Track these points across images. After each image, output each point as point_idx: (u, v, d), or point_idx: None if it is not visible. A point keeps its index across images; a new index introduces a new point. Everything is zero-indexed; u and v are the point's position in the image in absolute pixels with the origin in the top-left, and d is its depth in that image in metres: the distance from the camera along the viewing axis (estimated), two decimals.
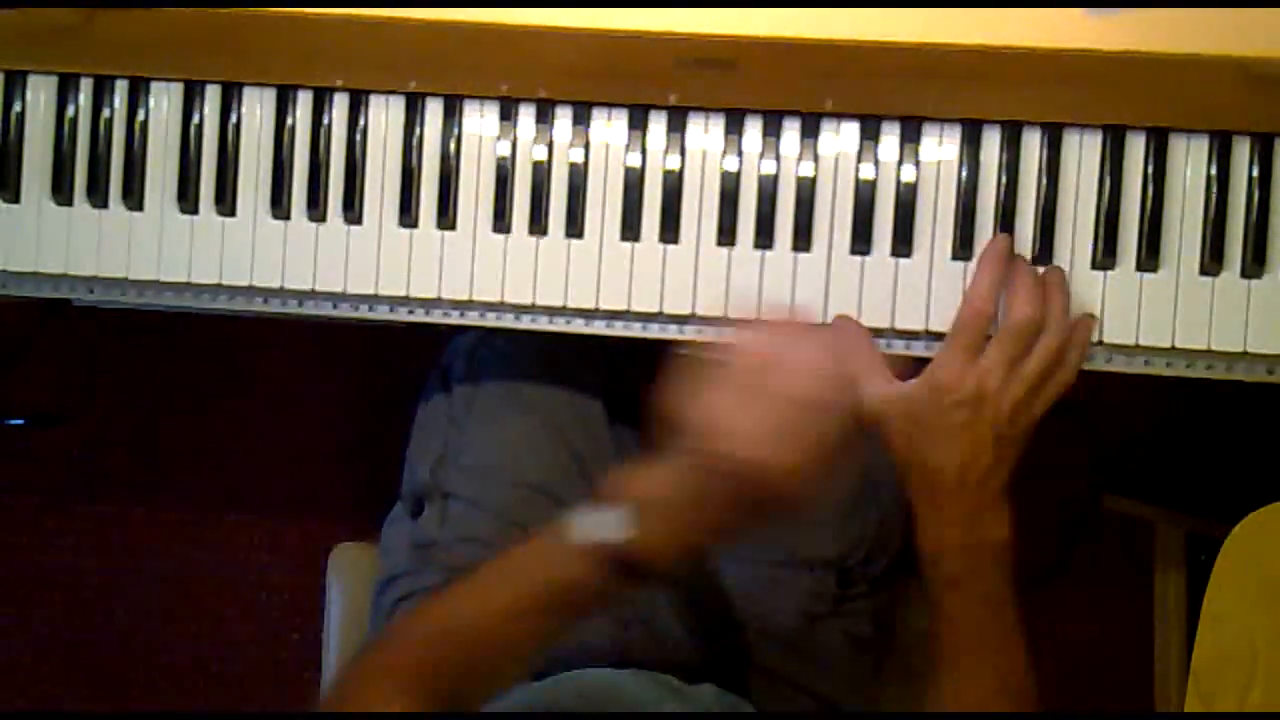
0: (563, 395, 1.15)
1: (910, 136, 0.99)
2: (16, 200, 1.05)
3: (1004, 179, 0.98)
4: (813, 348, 0.91)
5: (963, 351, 0.94)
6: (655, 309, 1.01)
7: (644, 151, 1.01)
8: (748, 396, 0.87)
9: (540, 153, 1.01)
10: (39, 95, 1.05)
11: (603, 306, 1.01)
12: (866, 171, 0.99)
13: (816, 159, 1.00)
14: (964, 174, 0.99)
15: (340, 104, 1.03)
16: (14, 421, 1.81)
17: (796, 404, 0.87)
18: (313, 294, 1.03)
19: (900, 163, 0.99)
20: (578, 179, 1.01)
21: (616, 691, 1.01)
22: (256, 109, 1.03)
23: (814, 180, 1.00)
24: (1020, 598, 0.95)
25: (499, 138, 1.02)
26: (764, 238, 1.00)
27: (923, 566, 0.95)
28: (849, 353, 0.96)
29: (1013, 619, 0.94)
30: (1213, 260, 0.97)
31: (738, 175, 1.00)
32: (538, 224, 1.01)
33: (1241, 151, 0.97)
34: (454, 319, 1.03)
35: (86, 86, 1.04)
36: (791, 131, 1.00)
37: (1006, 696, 0.94)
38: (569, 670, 1.04)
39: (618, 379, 1.19)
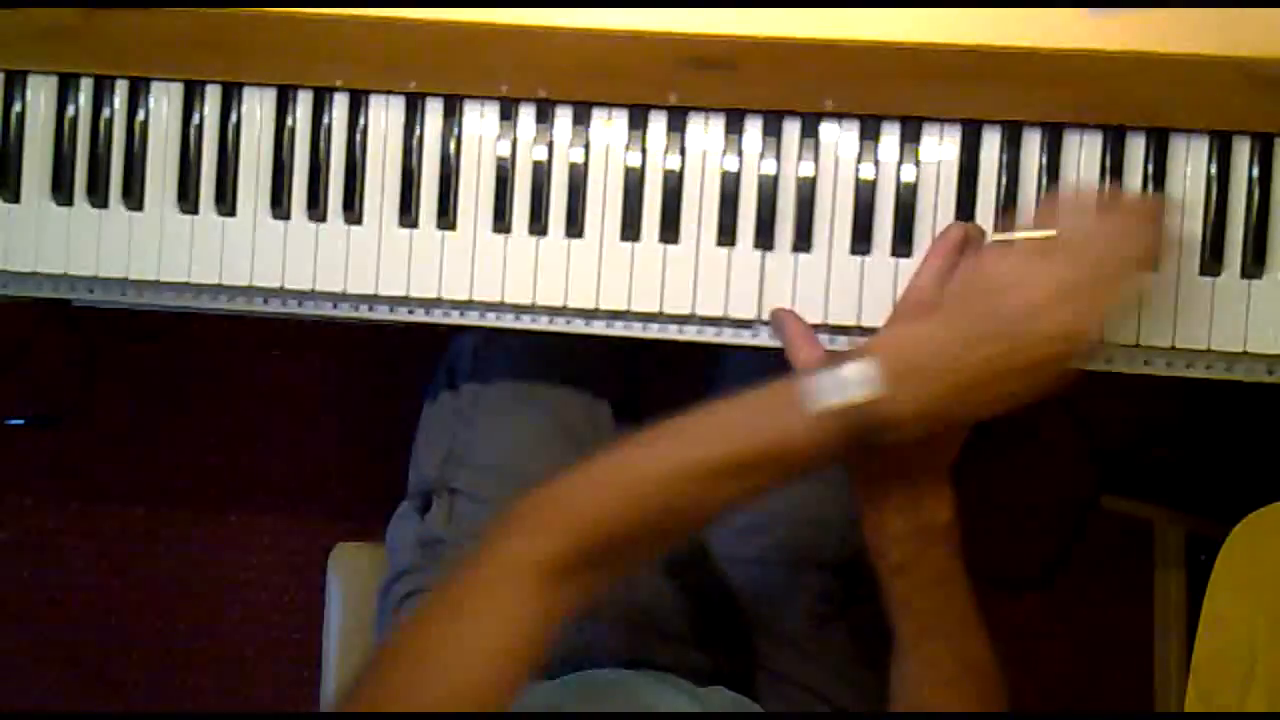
0: (570, 393, 1.15)
1: (910, 136, 0.99)
2: (16, 200, 1.05)
3: (1004, 179, 0.98)
4: (1124, 221, 0.87)
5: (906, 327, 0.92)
6: (655, 309, 1.01)
7: (644, 151, 1.01)
8: (1049, 257, 0.85)
9: (540, 153, 1.01)
10: (39, 95, 1.05)
11: (603, 306, 1.01)
12: (866, 171, 0.99)
13: (816, 159, 1.00)
14: (964, 174, 0.99)
15: (340, 104, 1.03)
16: (14, 421, 1.81)
17: (1097, 270, 0.84)
18: (313, 294, 1.03)
19: (900, 163, 0.99)
20: (578, 179, 1.01)
21: (629, 690, 1.01)
22: (256, 109, 1.03)
23: (814, 180, 1.00)
24: (971, 577, 0.94)
25: (499, 138, 1.02)
26: (764, 238, 1.00)
27: (871, 556, 0.95)
28: (787, 343, 0.96)
29: (966, 598, 0.94)
30: (1213, 260, 0.97)
31: (738, 175, 1.00)
32: (538, 224, 1.01)
33: (1241, 151, 0.97)
34: (454, 319, 1.03)
35: (86, 86, 1.04)
36: (791, 131, 1.00)
37: (970, 677, 0.94)
38: (579, 670, 1.05)
39: (625, 377, 1.19)
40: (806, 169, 1.00)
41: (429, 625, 0.81)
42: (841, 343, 1.00)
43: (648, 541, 0.86)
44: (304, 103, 1.03)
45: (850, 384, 0.82)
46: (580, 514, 0.83)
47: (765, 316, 1.00)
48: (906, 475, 0.92)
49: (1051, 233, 0.88)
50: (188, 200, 1.03)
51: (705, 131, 1.00)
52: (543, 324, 1.03)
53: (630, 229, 1.01)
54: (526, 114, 1.02)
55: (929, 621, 0.94)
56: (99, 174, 1.04)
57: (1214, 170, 0.97)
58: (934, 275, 0.93)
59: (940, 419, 0.85)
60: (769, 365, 1.12)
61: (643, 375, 1.24)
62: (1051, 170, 0.98)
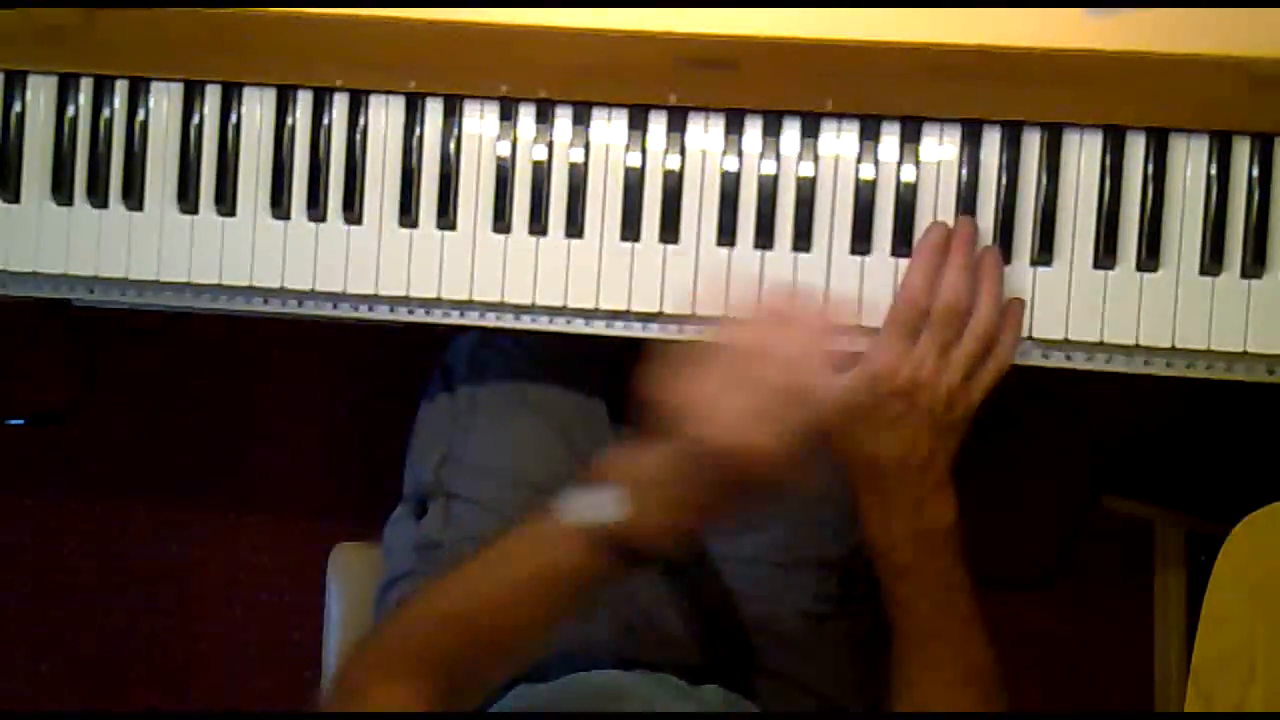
0: (566, 395, 1.15)
1: (910, 136, 0.99)
2: (16, 200, 1.05)
3: (1004, 179, 0.98)
4: (797, 334, 0.90)
5: (896, 341, 0.94)
6: (655, 309, 1.01)
7: (644, 151, 1.01)
8: (729, 382, 0.87)
9: (540, 153, 1.01)
10: (39, 95, 1.05)
11: (603, 306, 1.01)
12: (866, 171, 0.99)
13: (816, 159, 1.00)
14: (964, 174, 0.99)
15: (340, 104, 1.03)
16: (14, 421, 1.81)
17: (776, 390, 0.87)
18: (313, 294, 1.03)
19: (900, 163, 0.99)
20: (578, 179, 1.01)
21: (623, 692, 1.01)
22: (256, 109, 1.03)
23: (814, 180, 1.00)
24: (973, 579, 0.95)
25: (499, 138, 1.02)
26: (764, 238, 1.00)
27: (873, 558, 0.96)
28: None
29: (968, 601, 0.95)
30: (1213, 260, 0.97)
31: (738, 175, 1.00)
32: (538, 224, 1.01)
33: (1241, 151, 0.97)
34: (454, 319, 1.03)
35: (86, 86, 1.04)
36: (791, 131, 1.00)
37: (970, 679, 0.95)
38: (574, 672, 1.04)
39: (621, 379, 1.19)
40: (806, 169, 0.99)
41: None
42: (841, 343, 1.00)
43: (496, 657, 0.92)
44: (304, 103, 1.03)
45: (597, 505, 0.88)
46: (425, 626, 0.90)
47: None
48: (908, 480, 0.93)
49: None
50: (188, 200, 1.03)
51: (705, 131, 1.00)
52: (542, 324, 1.03)
53: (630, 229, 1.01)
54: (526, 114, 1.01)
55: (931, 623, 0.94)
56: (99, 174, 1.04)
57: (1214, 170, 0.97)
58: (923, 278, 0.95)
59: (692, 530, 0.91)
60: None
61: (639, 377, 1.24)
62: (1051, 170, 0.98)
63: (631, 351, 1.07)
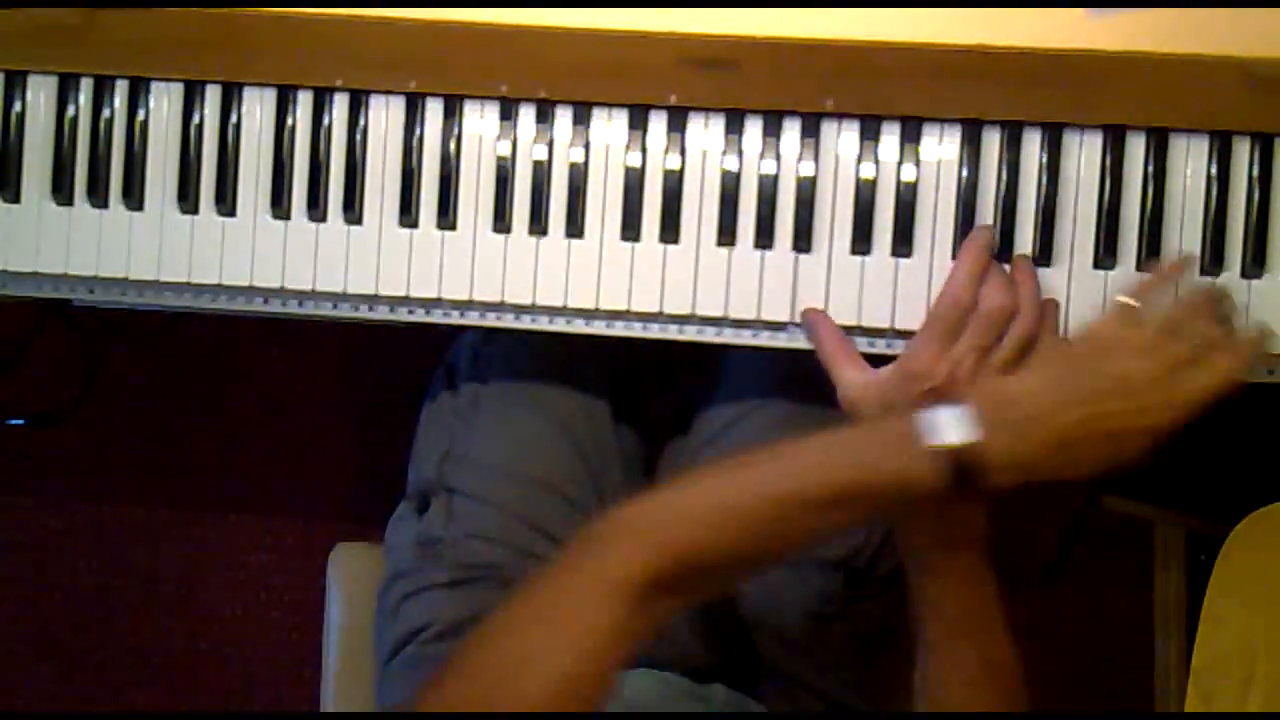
0: (569, 393, 1.15)
1: (910, 136, 0.99)
2: (16, 200, 1.05)
3: (1004, 179, 0.98)
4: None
5: (936, 340, 0.94)
6: (655, 309, 1.01)
7: (644, 151, 1.01)
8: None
9: (540, 153, 1.01)
10: (39, 95, 1.05)
11: (603, 306, 1.01)
12: (866, 171, 0.99)
13: (816, 159, 1.00)
14: (964, 174, 0.99)
15: (340, 104, 1.03)
16: (14, 421, 1.81)
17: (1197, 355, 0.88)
18: (313, 294, 1.03)
19: (900, 163, 0.99)
20: (578, 179, 1.01)
21: (629, 689, 1.01)
22: (256, 109, 1.03)
23: (814, 180, 1.00)
24: (998, 577, 0.95)
25: (499, 138, 1.02)
26: (764, 238, 1.00)
27: (901, 554, 0.96)
28: (821, 343, 0.98)
29: (993, 599, 0.95)
30: (1213, 260, 0.97)
31: (738, 175, 1.00)
32: (538, 224, 1.01)
33: (1241, 151, 0.97)
34: (454, 319, 1.03)
35: (86, 86, 1.04)
36: (791, 131, 1.00)
37: (993, 678, 0.95)
38: None
39: (623, 377, 1.19)
40: (806, 169, 1.00)
41: (512, 632, 0.80)
42: (847, 343, 1.00)
43: (737, 568, 0.87)
44: (304, 103, 1.03)
45: (948, 427, 0.83)
46: (677, 537, 0.81)
47: (765, 316, 1.00)
48: None
49: (1134, 304, 0.91)
50: (188, 200, 1.03)
51: (705, 131, 1.00)
52: (543, 324, 1.03)
53: (630, 229, 1.01)
54: (526, 114, 1.01)
55: (957, 623, 0.94)
56: (99, 174, 1.04)
57: (1214, 170, 0.97)
58: (969, 279, 0.95)
59: (1030, 471, 0.85)
60: (768, 365, 1.12)
61: (642, 376, 1.24)
62: (1051, 170, 0.98)
63: (634, 351, 1.07)
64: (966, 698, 0.94)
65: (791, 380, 1.14)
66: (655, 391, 1.23)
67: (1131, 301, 0.92)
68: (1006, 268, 0.97)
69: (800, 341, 1.01)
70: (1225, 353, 0.90)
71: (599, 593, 0.79)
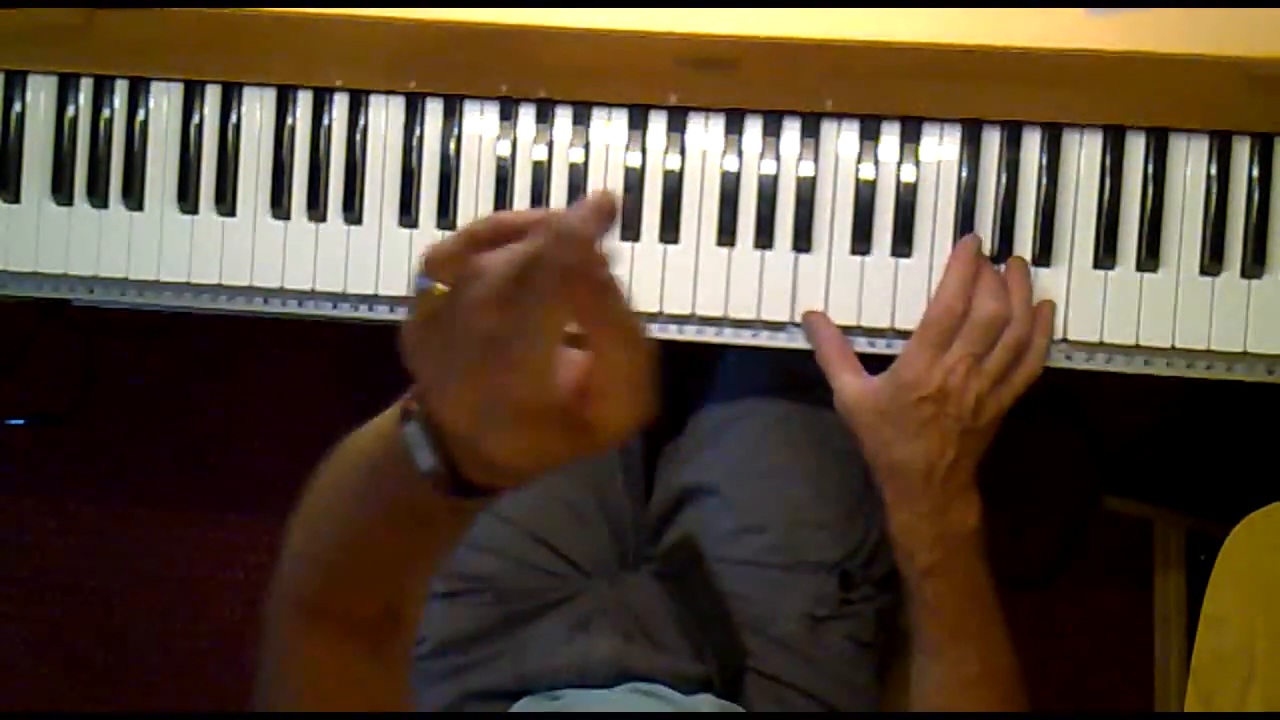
0: None
1: (910, 136, 0.99)
2: (16, 200, 1.05)
3: (1004, 179, 0.98)
4: None
5: (929, 347, 0.95)
6: (655, 309, 1.01)
7: (644, 151, 1.01)
8: None
9: (540, 153, 1.01)
10: (39, 95, 1.05)
11: None
12: (866, 171, 0.99)
13: (816, 159, 1.00)
14: (964, 174, 0.99)
15: (340, 104, 1.03)
16: (14, 421, 1.81)
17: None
18: (313, 294, 1.03)
19: (900, 163, 0.99)
20: (578, 179, 1.01)
21: (613, 706, 1.01)
22: (256, 109, 1.03)
23: (814, 180, 1.00)
24: (996, 582, 0.96)
25: (499, 138, 1.02)
26: (764, 238, 1.00)
27: (897, 559, 0.97)
28: (820, 346, 0.99)
29: (991, 603, 0.96)
30: (1213, 260, 0.97)
31: (738, 175, 1.00)
32: None
33: (1241, 151, 0.97)
34: None
35: (86, 86, 1.04)
36: (791, 131, 1.00)
37: (992, 680, 0.95)
38: (570, 683, 1.05)
39: None
40: (806, 169, 0.99)
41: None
42: (843, 341, 1.00)
43: (368, 567, 0.80)
44: (304, 103, 1.03)
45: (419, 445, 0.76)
46: (284, 562, 0.82)
47: (765, 316, 1.00)
48: (934, 484, 0.94)
49: None
50: (188, 200, 1.03)
51: (705, 131, 1.00)
52: None
53: (630, 229, 1.01)
54: (526, 114, 1.01)
55: (955, 625, 0.95)
56: (99, 174, 1.04)
57: (1214, 170, 0.97)
58: (960, 286, 0.95)
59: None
60: (763, 365, 1.12)
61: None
62: (1051, 170, 0.98)
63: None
64: (966, 700, 0.95)
65: (787, 381, 1.14)
66: (663, 394, 1.23)
67: None
68: (1002, 268, 0.97)
69: (800, 342, 1.01)
70: None
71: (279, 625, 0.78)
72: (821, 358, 0.99)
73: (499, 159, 1.01)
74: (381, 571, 0.79)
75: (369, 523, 0.77)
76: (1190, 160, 0.98)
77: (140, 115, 1.04)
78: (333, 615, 0.79)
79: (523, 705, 1.04)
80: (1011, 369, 0.96)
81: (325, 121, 1.03)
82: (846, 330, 1.00)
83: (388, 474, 0.74)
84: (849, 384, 0.97)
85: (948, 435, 0.94)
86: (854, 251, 0.99)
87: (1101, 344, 0.98)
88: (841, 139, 1.00)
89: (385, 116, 1.02)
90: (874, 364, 1.03)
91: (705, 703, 1.05)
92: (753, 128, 1.00)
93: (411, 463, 0.71)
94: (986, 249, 0.99)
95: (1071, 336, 0.98)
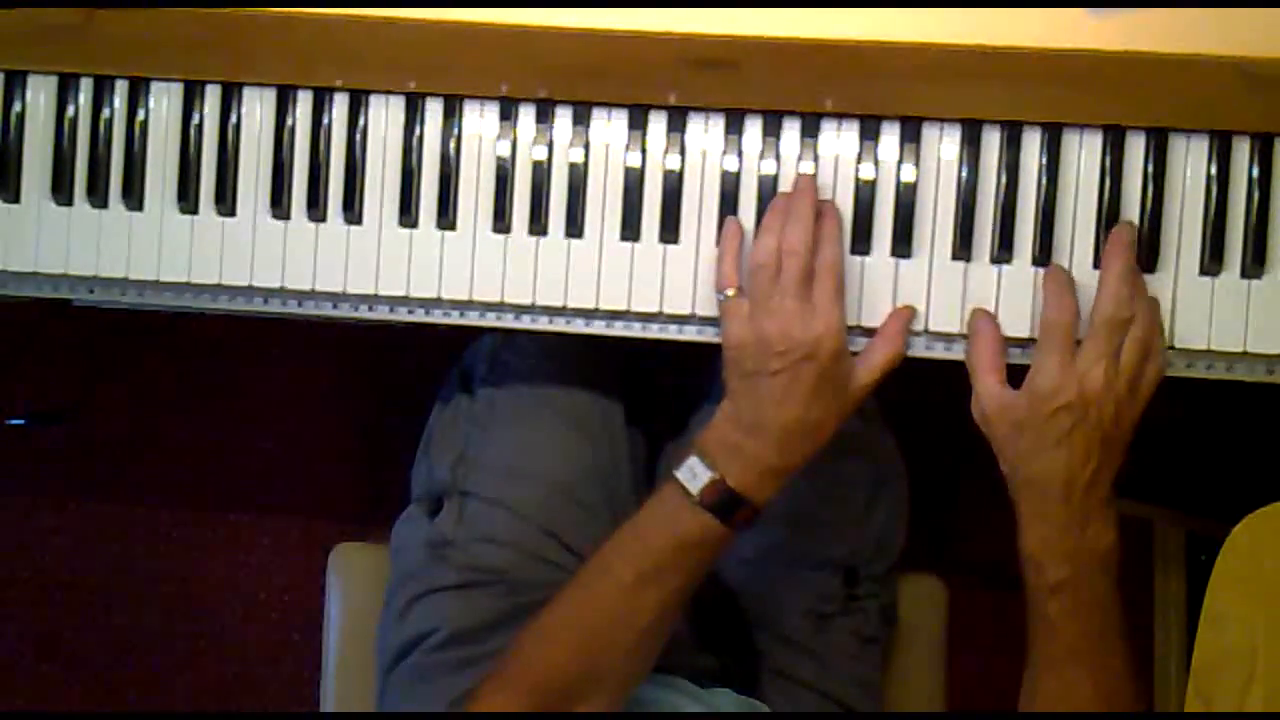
0: (586, 398, 1.15)
1: (910, 136, 0.99)
2: (16, 200, 1.05)
3: (1004, 179, 0.98)
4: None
5: (1059, 354, 0.92)
6: (655, 309, 1.01)
7: (644, 151, 1.01)
8: None
9: (540, 153, 1.01)
10: (39, 95, 1.05)
11: (603, 306, 1.01)
12: (866, 171, 0.99)
13: (816, 159, 1.00)
14: (964, 174, 0.99)
15: (340, 104, 1.03)
16: (14, 421, 1.81)
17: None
18: (313, 294, 1.03)
19: (900, 163, 0.99)
20: (578, 179, 1.01)
21: (635, 696, 1.01)
22: (256, 109, 1.03)
23: (814, 180, 0.99)
24: (1123, 604, 0.94)
25: (499, 138, 1.02)
26: None
27: (1025, 571, 0.94)
28: (979, 346, 0.96)
29: (1116, 627, 0.93)
30: (1213, 260, 0.97)
31: (738, 175, 1.00)
32: (538, 224, 1.01)
33: (1241, 151, 0.97)
34: (454, 319, 1.03)
35: (86, 86, 1.04)
36: (791, 131, 1.00)
37: (1106, 708, 0.93)
38: None
39: (638, 381, 1.19)
40: (806, 169, 0.99)
41: None
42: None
43: (607, 664, 0.95)
44: (304, 103, 1.03)
45: (693, 478, 0.94)
46: (537, 672, 0.95)
47: None
48: (1074, 497, 0.92)
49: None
50: (188, 200, 1.03)
51: (705, 131, 1.00)
52: (542, 324, 1.03)
53: (630, 229, 1.01)
54: (526, 114, 1.01)
55: (1073, 647, 0.92)
56: (99, 174, 1.04)
57: (1214, 170, 0.97)
58: (1130, 280, 0.93)
59: (777, 472, 0.94)
60: None
61: (655, 376, 1.24)
62: (1051, 170, 0.98)
63: (649, 354, 1.07)
64: None
65: None
66: (668, 393, 1.23)
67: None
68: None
69: None
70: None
71: None
72: (973, 356, 0.95)
73: (499, 159, 1.02)
74: (640, 627, 0.95)
75: (650, 571, 0.94)
76: (1190, 160, 0.98)
77: (140, 115, 1.04)
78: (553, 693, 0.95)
79: None
80: (1140, 371, 0.93)
81: (325, 121, 1.03)
82: (845, 330, 0.99)
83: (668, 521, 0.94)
84: (990, 390, 0.94)
85: (1089, 445, 0.91)
86: (854, 251, 0.99)
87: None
88: (841, 139, 1.00)
89: (385, 116, 1.02)
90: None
91: (724, 697, 1.05)
92: (753, 128, 1.00)
93: (687, 494, 0.93)
94: (986, 249, 0.99)
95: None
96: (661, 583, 0.94)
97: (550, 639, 0.95)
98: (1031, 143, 0.98)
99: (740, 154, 1.00)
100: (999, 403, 0.93)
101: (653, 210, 1.01)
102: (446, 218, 1.02)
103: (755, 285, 0.94)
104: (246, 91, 1.03)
